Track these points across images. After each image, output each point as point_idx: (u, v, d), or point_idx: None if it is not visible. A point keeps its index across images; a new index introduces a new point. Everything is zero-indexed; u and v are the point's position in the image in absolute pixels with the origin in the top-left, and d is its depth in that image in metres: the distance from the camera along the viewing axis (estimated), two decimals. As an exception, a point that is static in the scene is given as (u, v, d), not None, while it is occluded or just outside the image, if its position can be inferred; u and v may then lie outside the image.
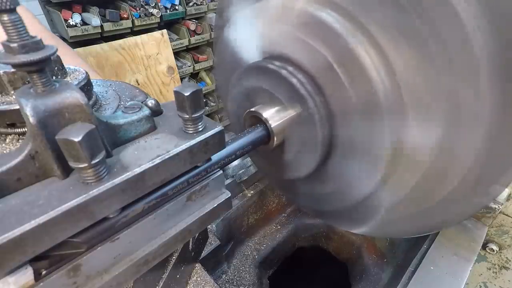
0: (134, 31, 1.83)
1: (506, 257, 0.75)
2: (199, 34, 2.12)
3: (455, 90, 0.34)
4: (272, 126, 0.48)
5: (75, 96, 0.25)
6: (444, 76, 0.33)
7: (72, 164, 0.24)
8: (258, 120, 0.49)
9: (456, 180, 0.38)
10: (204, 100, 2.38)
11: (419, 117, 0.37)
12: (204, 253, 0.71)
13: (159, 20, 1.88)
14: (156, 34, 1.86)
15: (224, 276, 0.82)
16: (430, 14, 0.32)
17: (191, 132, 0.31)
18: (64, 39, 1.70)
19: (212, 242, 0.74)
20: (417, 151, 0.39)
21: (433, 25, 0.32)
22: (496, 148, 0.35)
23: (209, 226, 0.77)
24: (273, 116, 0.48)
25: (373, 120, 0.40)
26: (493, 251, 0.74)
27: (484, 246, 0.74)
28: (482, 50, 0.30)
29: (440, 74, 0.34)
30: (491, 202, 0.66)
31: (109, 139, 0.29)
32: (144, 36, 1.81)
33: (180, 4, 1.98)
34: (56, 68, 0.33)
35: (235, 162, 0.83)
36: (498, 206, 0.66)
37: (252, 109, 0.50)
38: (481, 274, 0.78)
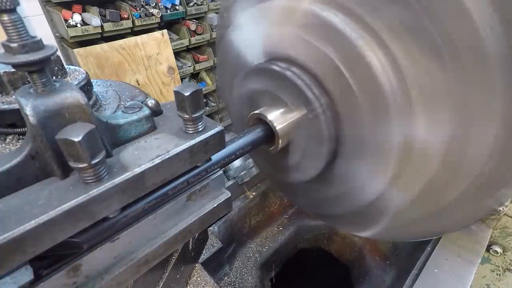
0: (135, 31, 1.84)
1: (510, 259, 0.74)
2: (199, 34, 2.12)
3: (465, 90, 0.33)
4: (277, 129, 0.47)
5: (75, 96, 0.25)
6: (454, 76, 0.33)
7: (72, 164, 0.24)
8: (262, 122, 0.49)
9: (467, 182, 0.37)
10: (205, 100, 2.39)
11: (428, 118, 0.36)
12: (206, 256, 0.71)
13: (159, 20, 1.88)
14: (157, 34, 1.87)
15: (226, 278, 0.82)
16: (439, 12, 0.31)
17: (191, 132, 0.31)
18: (64, 39, 1.71)
19: (214, 244, 0.74)
20: (426, 152, 0.38)
21: (442, 23, 0.31)
22: (507, 149, 0.34)
23: (210, 228, 0.77)
24: (278, 118, 0.47)
25: (380, 121, 0.39)
26: (497, 253, 0.73)
27: (488, 248, 0.73)
28: (494, 49, 0.30)
29: (449, 74, 0.33)
30: (495, 204, 0.65)
31: (109, 139, 0.29)
32: (144, 36, 1.82)
33: (180, 4, 1.98)
34: (56, 68, 0.33)
35: (237, 164, 0.83)
36: (503, 208, 0.65)
37: (257, 111, 0.49)
38: (485, 276, 0.77)
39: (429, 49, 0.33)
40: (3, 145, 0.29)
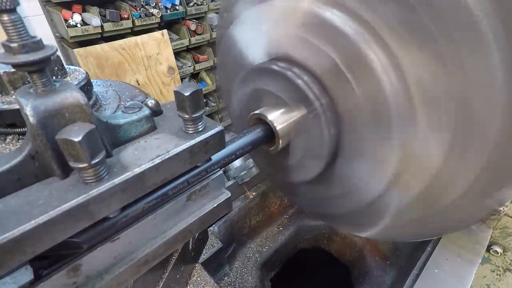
0: (135, 31, 1.84)
1: (510, 260, 0.74)
2: (199, 34, 2.12)
3: (467, 92, 0.33)
4: (277, 129, 0.47)
5: (75, 96, 0.25)
6: (456, 78, 0.33)
7: (72, 164, 0.24)
8: (262, 122, 0.49)
9: (467, 182, 0.37)
10: (205, 100, 2.38)
11: (429, 118, 0.36)
12: (206, 256, 0.71)
13: (159, 20, 1.88)
14: (157, 34, 1.87)
15: (226, 278, 0.81)
16: (441, 13, 0.31)
17: (191, 132, 0.31)
18: (64, 39, 1.71)
19: (214, 244, 0.73)
20: (428, 153, 0.38)
21: (444, 24, 0.31)
22: (507, 149, 0.33)
23: (210, 228, 0.77)
24: (278, 118, 0.47)
25: (381, 121, 0.39)
26: (497, 253, 0.73)
27: (488, 248, 0.73)
28: (496, 50, 0.30)
29: (451, 75, 0.33)
30: (495, 204, 0.65)
31: (109, 139, 0.29)
32: (144, 36, 1.82)
33: (180, 4, 1.98)
34: (56, 68, 0.33)
35: (237, 164, 0.83)
36: (503, 208, 0.65)
37: (257, 112, 0.49)
38: (485, 276, 0.77)
39: (430, 48, 0.33)
40: (3, 145, 0.29)
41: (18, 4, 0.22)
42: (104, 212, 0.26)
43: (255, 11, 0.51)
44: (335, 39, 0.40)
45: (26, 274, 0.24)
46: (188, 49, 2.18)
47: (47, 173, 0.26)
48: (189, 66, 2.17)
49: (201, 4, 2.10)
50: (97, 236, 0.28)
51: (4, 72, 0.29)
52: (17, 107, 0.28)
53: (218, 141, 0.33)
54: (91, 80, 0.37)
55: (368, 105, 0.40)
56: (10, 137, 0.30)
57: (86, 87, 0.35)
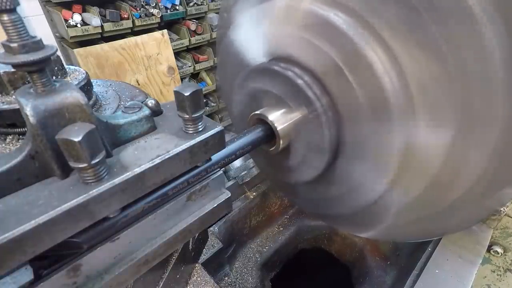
0: (135, 31, 1.84)
1: (511, 260, 0.74)
2: (199, 34, 2.13)
3: (468, 93, 0.33)
4: (278, 129, 0.47)
5: (75, 96, 0.25)
6: (457, 78, 0.32)
7: (72, 164, 0.24)
8: (263, 123, 0.49)
9: (468, 183, 0.37)
10: (205, 100, 2.39)
11: (429, 118, 0.36)
12: (206, 256, 0.71)
13: (159, 20, 1.88)
14: (157, 34, 1.87)
15: (226, 278, 0.81)
16: (441, 11, 0.31)
17: (191, 132, 0.31)
18: (64, 39, 1.72)
19: (215, 245, 0.73)
20: (428, 153, 0.38)
21: (445, 25, 0.31)
22: (508, 149, 0.33)
23: (211, 228, 0.77)
24: (279, 119, 0.47)
25: (382, 121, 0.39)
26: (498, 253, 0.73)
27: (488, 249, 0.72)
28: (497, 52, 0.30)
29: (452, 76, 0.33)
30: (496, 204, 0.65)
31: (109, 139, 0.29)
32: (144, 36, 1.82)
33: (180, 4, 1.98)
34: (56, 68, 0.33)
35: (237, 164, 0.83)
36: (503, 209, 0.64)
37: (257, 112, 0.49)
38: (485, 277, 0.77)
39: (431, 49, 0.33)
40: (3, 145, 0.29)
41: (18, 4, 0.22)
42: (104, 212, 0.26)
43: (255, 11, 0.51)
44: (335, 39, 0.40)
45: (26, 274, 0.24)
46: (188, 49, 2.18)
47: (47, 173, 0.26)
48: (189, 66, 2.17)
49: (201, 4, 2.10)
50: (97, 236, 0.28)
51: (4, 72, 0.29)
52: (17, 107, 0.28)
53: (218, 141, 0.33)
54: (91, 80, 0.37)
55: (368, 105, 0.40)
56: (10, 137, 0.30)
57: (86, 87, 0.35)
